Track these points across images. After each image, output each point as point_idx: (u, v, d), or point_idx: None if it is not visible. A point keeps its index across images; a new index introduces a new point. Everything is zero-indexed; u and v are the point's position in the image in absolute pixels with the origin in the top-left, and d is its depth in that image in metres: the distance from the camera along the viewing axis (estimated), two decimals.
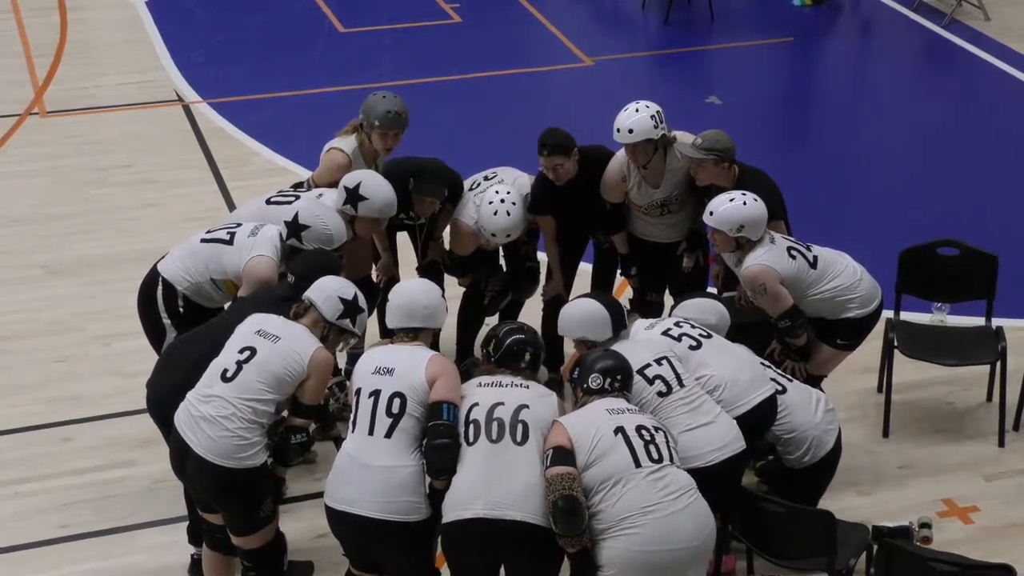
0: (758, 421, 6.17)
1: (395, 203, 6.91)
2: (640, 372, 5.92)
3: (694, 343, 6.20)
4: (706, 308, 6.52)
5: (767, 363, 6.58)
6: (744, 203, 6.67)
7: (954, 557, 5.61)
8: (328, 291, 5.94)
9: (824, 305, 6.81)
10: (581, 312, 6.18)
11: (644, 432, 5.54)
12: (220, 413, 5.67)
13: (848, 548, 5.99)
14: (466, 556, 5.58)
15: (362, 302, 6.01)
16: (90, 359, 8.14)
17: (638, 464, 5.45)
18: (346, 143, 7.28)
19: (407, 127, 7.27)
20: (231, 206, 9.56)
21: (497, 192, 7.23)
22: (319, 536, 6.56)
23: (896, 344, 7.44)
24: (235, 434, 5.66)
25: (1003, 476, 7.25)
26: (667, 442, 5.59)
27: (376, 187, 6.79)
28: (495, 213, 7.15)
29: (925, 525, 6.74)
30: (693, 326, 6.30)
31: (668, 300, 7.61)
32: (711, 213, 6.72)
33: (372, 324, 7.68)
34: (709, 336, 6.28)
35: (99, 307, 8.60)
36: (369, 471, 5.58)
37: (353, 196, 6.74)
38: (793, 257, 6.71)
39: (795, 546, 5.96)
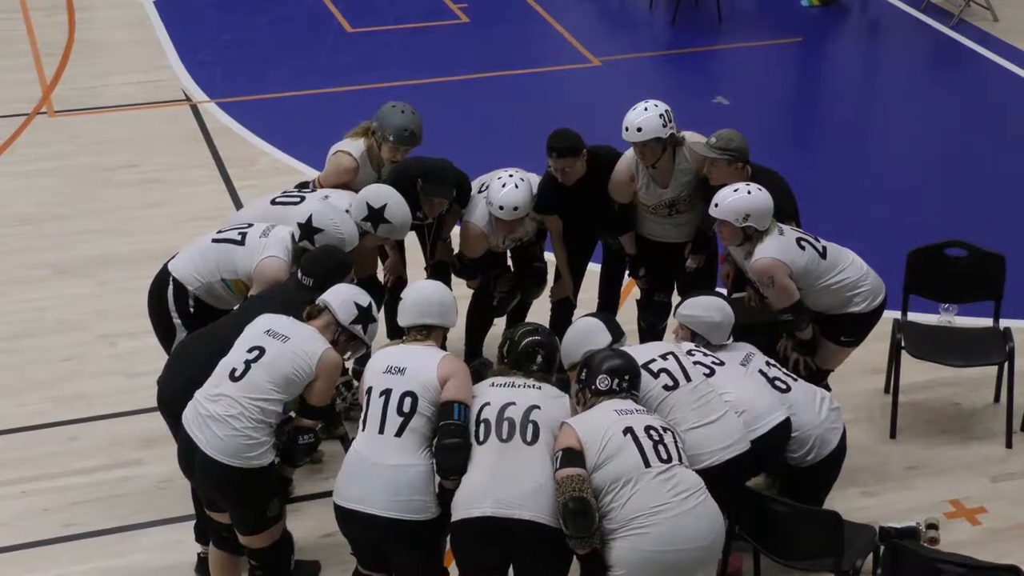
0: (773, 444, 6.16)
1: (409, 226, 6.97)
2: (645, 367, 5.92)
3: (707, 371, 6.19)
4: (711, 306, 6.52)
5: (772, 361, 6.58)
6: (749, 192, 6.67)
7: (961, 558, 5.61)
8: (344, 296, 5.95)
9: (831, 298, 6.80)
10: (576, 330, 6.15)
11: (653, 432, 5.54)
12: (228, 412, 5.67)
13: (855, 549, 5.98)
14: (475, 554, 5.58)
15: (376, 312, 6.02)
16: (96, 358, 8.14)
17: (647, 464, 5.45)
18: (354, 146, 7.29)
19: (418, 145, 7.29)
20: (238, 205, 9.56)
21: (508, 172, 7.24)
22: (326, 535, 6.56)
23: (903, 345, 7.43)
24: (243, 433, 5.66)
25: (1010, 477, 7.24)
26: (675, 442, 5.59)
27: (399, 212, 6.81)
28: (503, 186, 7.15)
29: (932, 526, 6.74)
30: (705, 354, 6.29)
31: (676, 300, 7.60)
32: (716, 205, 6.72)
33: (379, 326, 7.69)
34: (721, 364, 6.27)
35: (106, 306, 8.61)
36: (379, 470, 5.59)
37: (376, 217, 6.76)
38: (802, 248, 6.71)
39: (802, 547, 5.96)
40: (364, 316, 5.96)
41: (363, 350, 6.21)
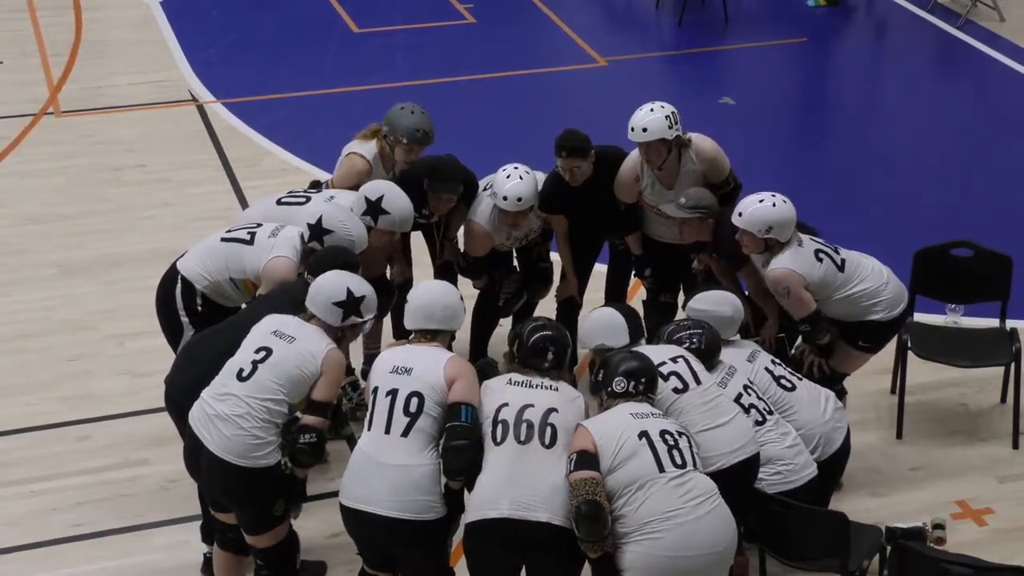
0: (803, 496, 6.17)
1: (412, 218, 6.96)
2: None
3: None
4: (721, 300, 6.53)
5: (778, 360, 6.59)
6: (773, 204, 6.66)
7: (968, 559, 5.61)
8: (322, 302, 5.88)
9: (849, 308, 6.79)
10: (598, 320, 6.18)
11: (668, 437, 5.53)
12: (235, 412, 5.68)
13: (861, 549, 5.98)
14: (489, 556, 5.58)
15: (358, 291, 5.91)
16: (104, 358, 8.15)
17: (662, 469, 5.45)
18: (366, 148, 7.30)
19: (431, 144, 7.32)
20: (244, 205, 9.57)
21: (513, 165, 7.24)
22: (332, 535, 6.57)
23: (910, 345, 7.43)
24: (250, 433, 5.67)
25: (1017, 478, 7.24)
26: (690, 447, 5.58)
27: (397, 202, 6.82)
28: (508, 177, 7.15)
29: (939, 527, 6.74)
30: (760, 397, 6.30)
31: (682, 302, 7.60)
32: (740, 214, 6.71)
33: (386, 325, 7.69)
34: (771, 412, 6.28)
35: (113, 306, 8.62)
36: (385, 469, 5.59)
37: (374, 208, 6.76)
38: (820, 260, 6.70)
39: (808, 547, 5.96)
40: (350, 308, 5.90)
41: (372, 322, 6.14)
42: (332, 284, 5.93)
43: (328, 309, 5.88)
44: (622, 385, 5.70)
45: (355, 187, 7.16)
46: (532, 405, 5.63)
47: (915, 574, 5.59)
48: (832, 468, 6.47)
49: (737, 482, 5.84)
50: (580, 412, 5.71)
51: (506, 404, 5.65)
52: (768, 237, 6.68)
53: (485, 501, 5.50)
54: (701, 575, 5.44)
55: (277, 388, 5.73)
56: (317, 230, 6.49)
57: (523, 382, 5.75)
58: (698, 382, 5.98)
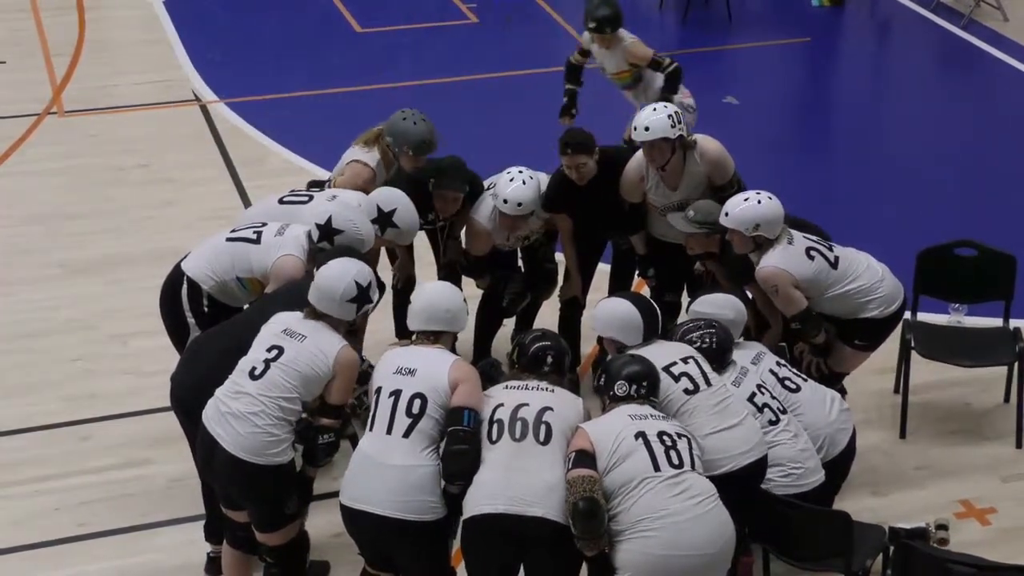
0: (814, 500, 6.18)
1: (415, 234, 7.05)
2: (666, 369, 5.92)
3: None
4: (723, 303, 6.53)
5: (783, 361, 6.59)
6: (759, 202, 6.67)
7: (971, 558, 5.61)
8: (336, 301, 5.85)
9: (844, 305, 6.80)
10: (616, 314, 6.17)
11: (665, 438, 5.54)
12: (249, 410, 5.70)
13: (865, 549, 5.99)
14: (486, 552, 5.59)
15: (363, 279, 5.89)
16: (107, 358, 8.16)
17: (657, 468, 5.46)
18: (370, 157, 7.31)
19: (435, 150, 7.35)
20: (247, 205, 9.56)
21: (517, 169, 7.25)
22: (335, 535, 6.56)
23: (913, 345, 7.43)
24: (264, 431, 5.68)
25: (1020, 478, 7.23)
26: (689, 448, 5.58)
27: (407, 219, 6.87)
28: (511, 180, 7.16)
29: (942, 526, 6.73)
30: (773, 396, 6.31)
31: (685, 301, 7.60)
32: (727, 214, 6.72)
33: (387, 326, 7.69)
34: (784, 412, 6.29)
35: (116, 306, 8.62)
36: (385, 470, 5.60)
37: (385, 220, 6.80)
38: (812, 258, 6.69)
39: (811, 547, 5.96)
40: (362, 299, 5.89)
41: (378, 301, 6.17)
42: (338, 280, 5.88)
43: (343, 307, 5.88)
44: (623, 389, 5.71)
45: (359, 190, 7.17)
46: (527, 404, 5.65)
47: (918, 574, 5.59)
48: (836, 469, 6.47)
49: (745, 484, 5.85)
50: (579, 413, 5.72)
51: (501, 404, 5.68)
52: (756, 235, 6.68)
53: (482, 498, 5.51)
54: (695, 575, 5.44)
55: (291, 387, 5.74)
56: (327, 230, 6.49)
57: (519, 385, 5.78)
58: (708, 384, 5.98)
